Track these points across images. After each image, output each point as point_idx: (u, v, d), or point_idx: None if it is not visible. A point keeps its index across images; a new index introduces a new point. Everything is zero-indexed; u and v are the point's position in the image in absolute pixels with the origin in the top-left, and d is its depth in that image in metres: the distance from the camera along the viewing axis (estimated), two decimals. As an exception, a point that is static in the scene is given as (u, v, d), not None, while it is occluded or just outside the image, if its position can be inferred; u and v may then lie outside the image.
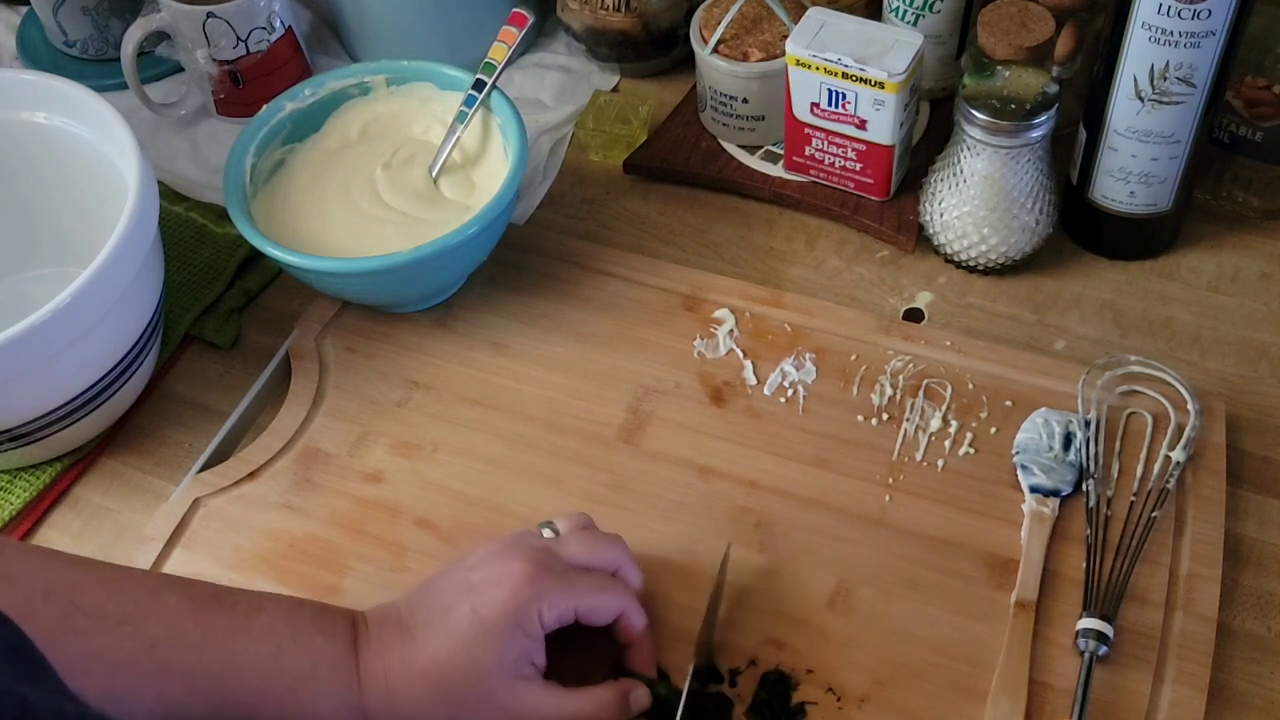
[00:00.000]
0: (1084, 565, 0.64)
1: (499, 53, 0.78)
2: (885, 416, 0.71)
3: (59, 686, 0.39)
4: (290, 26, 0.91)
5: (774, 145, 0.85)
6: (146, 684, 0.50)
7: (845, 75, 0.75)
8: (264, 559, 0.67)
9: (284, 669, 0.53)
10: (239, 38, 0.88)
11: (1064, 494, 0.66)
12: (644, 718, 0.59)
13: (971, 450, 0.69)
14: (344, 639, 0.55)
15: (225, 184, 0.74)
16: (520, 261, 0.80)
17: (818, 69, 0.75)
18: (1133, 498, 0.66)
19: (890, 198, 0.81)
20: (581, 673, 0.58)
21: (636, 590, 0.60)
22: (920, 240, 0.80)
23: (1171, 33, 0.66)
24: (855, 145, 0.79)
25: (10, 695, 0.35)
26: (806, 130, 0.80)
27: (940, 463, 0.68)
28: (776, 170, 0.84)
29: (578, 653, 0.59)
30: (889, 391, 0.72)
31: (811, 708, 0.59)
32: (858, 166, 0.80)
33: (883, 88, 0.74)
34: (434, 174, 0.78)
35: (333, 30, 1.00)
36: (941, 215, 0.76)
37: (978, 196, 0.74)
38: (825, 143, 0.80)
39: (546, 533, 0.60)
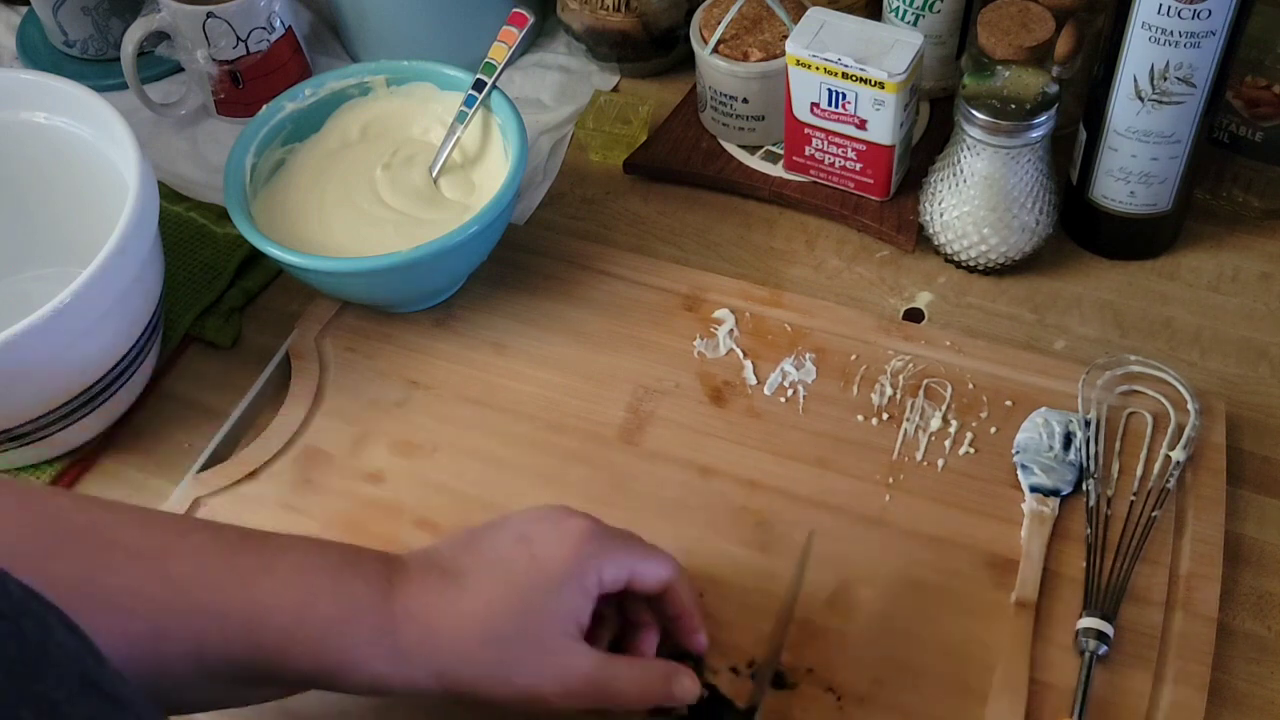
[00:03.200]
0: (1084, 565, 0.64)
1: (499, 53, 0.78)
2: (885, 416, 0.71)
3: None
4: (290, 26, 0.91)
5: (774, 145, 0.85)
6: (181, 623, 0.50)
7: (845, 75, 0.75)
8: (264, 559, 0.67)
9: (316, 613, 0.52)
10: (239, 38, 0.88)
11: (1064, 494, 0.66)
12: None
13: (971, 450, 0.69)
14: (379, 581, 0.54)
15: (225, 184, 0.74)
16: (520, 261, 0.80)
17: (818, 69, 0.75)
18: (1133, 497, 0.66)
19: (890, 198, 0.81)
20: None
21: (688, 607, 0.59)
22: (920, 240, 0.80)
23: (1171, 33, 0.66)
24: (855, 145, 0.79)
25: None
26: (806, 130, 0.80)
27: (940, 462, 0.68)
28: (776, 170, 0.84)
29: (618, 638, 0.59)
30: (889, 391, 0.72)
31: (805, 703, 0.59)
32: (858, 166, 0.80)
33: (883, 88, 0.74)
34: (434, 174, 0.78)
35: (333, 30, 1.00)
36: (941, 215, 0.76)
37: (978, 196, 0.74)
38: (825, 143, 0.80)
39: None
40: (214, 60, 0.89)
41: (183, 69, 0.92)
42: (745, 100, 0.83)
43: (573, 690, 0.54)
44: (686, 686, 0.56)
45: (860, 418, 0.71)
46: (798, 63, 0.76)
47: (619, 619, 0.60)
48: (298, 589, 0.52)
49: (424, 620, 0.53)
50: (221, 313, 0.79)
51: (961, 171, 0.74)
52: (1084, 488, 0.66)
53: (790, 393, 0.72)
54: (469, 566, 0.55)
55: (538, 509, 0.57)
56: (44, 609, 0.34)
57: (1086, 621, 0.61)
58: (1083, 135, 0.75)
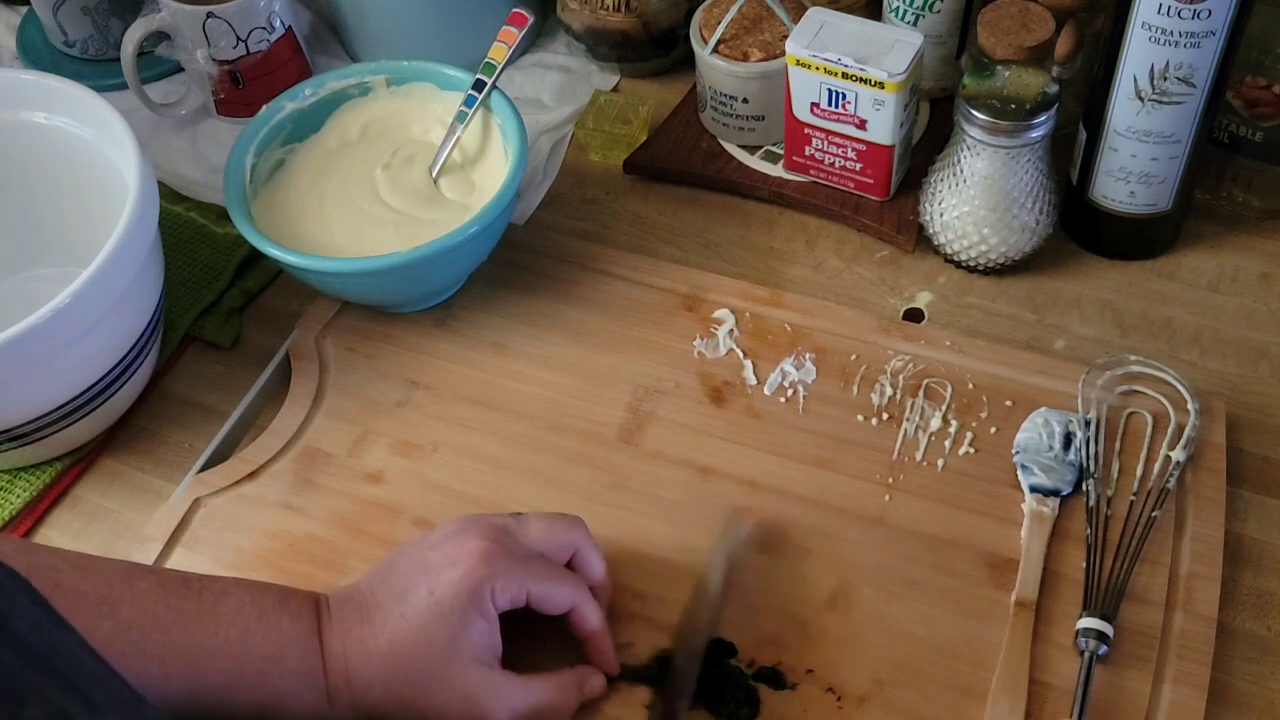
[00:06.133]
0: (1084, 565, 0.64)
1: (499, 53, 0.78)
2: (885, 416, 0.71)
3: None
4: (290, 26, 0.91)
5: (774, 145, 0.85)
6: (125, 666, 0.50)
7: (845, 75, 0.75)
8: (264, 559, 0.67)
9: (253, 650, 0.54)
10: (239, 38, 0.88)
11: (1064, 494, 0.66)
12: (657, 694, 0.59)
13: (971, 450, 0.69)
14: (308, 621, 0.56)
15: (225, 184, 0.74)
16: (520, 261, 0.80)
17: (818, 69, 0.75)
18: (1133, 497, 0.66)
19: (890, 198, 0.81)
20: (541, 667, 0.59)
21: (598, 578, 0.60)
22: (920, 240, 0.80)
23: (1171, 33, 0.66)
24: (855, 145, 0.79)
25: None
26: (806, 130, 0.80)
27: (940, 462, 0.68)
28: (776, 170, 0.84)
29: (538, 647, 0.59)
30: (889, 391, 0.72)
31: (805, 703, 0.59)
32: (858, 166, 0.80)
33: (883, 88, 0.74)
34: (434, 174, 0.78)
35: (333, 30, 1.00)
36: (941, 215, 0.76)
37: (978, 196, 0.74)
38: (825, 143, 0.80)
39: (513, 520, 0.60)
40: (214, 60, 0.89)
41: (183, 69, 0.92)
42: (745, 100, 0.83)
43: (488, 718, 0.55)
44: (595, 686, 0.59)
45: (860, 418, 0.71)
46: (798, 63, 0.76)
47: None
48: (238, 632, 0.54)
49: (343, 655, 0.55)
50: (221, 313, 0.79)
51: (961, 171, 0.74)
52: (1084, 488, 0.66)
53: (790, 393, 0.72)
54: (380, 601, 0.56)
55: (447, 526, 0.58)
56: None
57: (1086, 621, 0.61)
58: (1083, 135, 0.75)
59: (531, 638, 0.59)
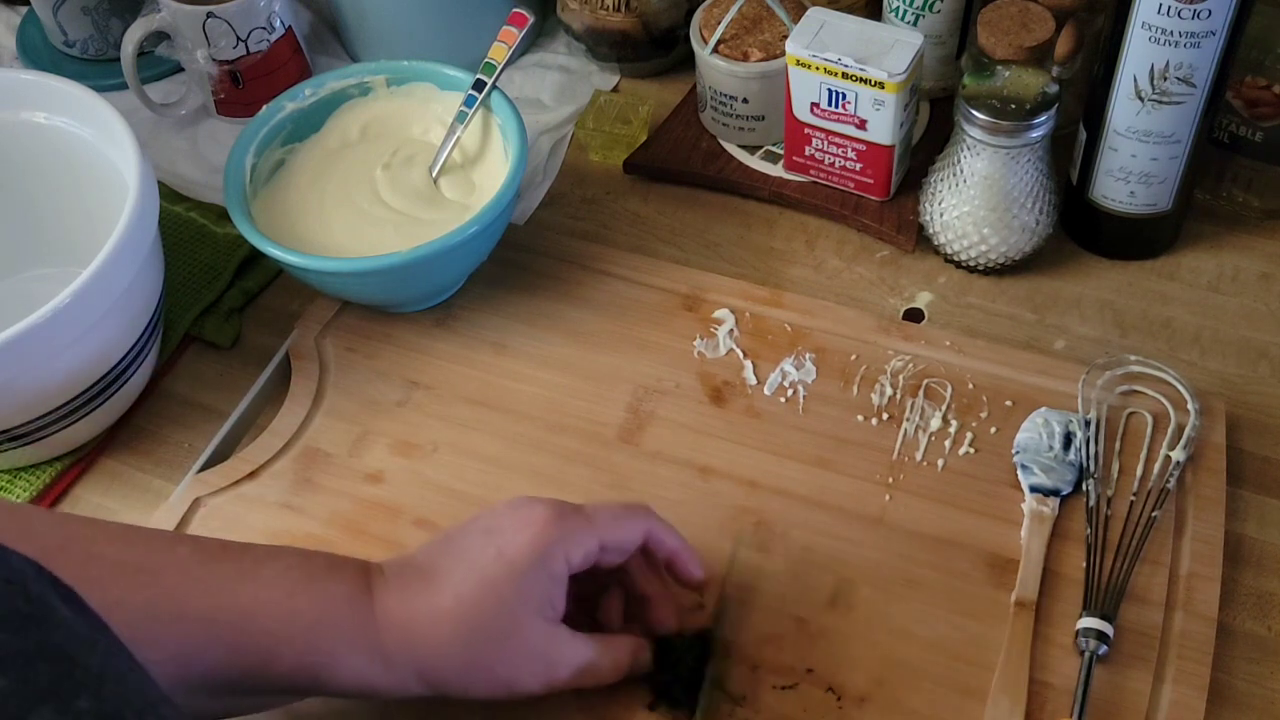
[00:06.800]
0: (1084, 565, 0.64)
1: (499, 53, 0.78)
2: (885, 416, 0.71)
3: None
4: (290, 26, 0.91)
5: (774, 145, 0.85)
6: (167, 631, 0.51)
7: (845, 75, 0.75)
8: (264, 559, 0.67)
9: (299, 613, 0.53)
10: (239, 38, 0.88)
11: (1064, 493, 0.66)
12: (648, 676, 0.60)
13: (971, 450, 0.69)
14: (358, 583, 0.55)
15: (225, 184, 0.74)
16: (520, 261, 0.80)
17: (818, 69, 0.75)
18: (1133, 497, 0.66)
19: (890, 198, 0.81)
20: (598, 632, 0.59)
21: (673, 545, 0.60)
22: (920, 240, 0.80)
23: (1171, 33, 0.66)
24: (855, 145, 0.79)
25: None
26: (806, 130, 0.80)
27: (940, 462, 0.68)
28: (776, 170, 0.84)
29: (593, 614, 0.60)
30: (889, 391, 0.72)
31: (805, 703, 0.59)
32: (858, 166, 0.80)
33: (883, 88, 0.74)
34: (434, 174, 0.78)
35: (333, 30, 1.00)
36: (941, 215, 0.76)
37: (978, 196, 0.74)
38: (825, 143, 0.80)
39: None
40: (214, 60, 0.89)
41: (183, 69, 0.92)
42: (745, 100, 0.83)
43: (553, 676, 0.55)
44: (646, 660, 0.59)
45: (860, 418, 0.71)
46: (798, 63, 0.76)
47: (623, 594, 0.61)
48: (282, 593, 0.53)
49: (402, 621, 0.54)
50: (221, 313, 0.79)
51: (961, 171, 0.74)
52: (1084, 488, 0.66)
53: (790, 393, 0.72)
54: (442, 566, 0.55)
55: (506, 501, 0.58)
56: None
57: (1086, 621, 0.61)
58: (1083, 135, 0.75)
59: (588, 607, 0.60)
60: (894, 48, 0.74)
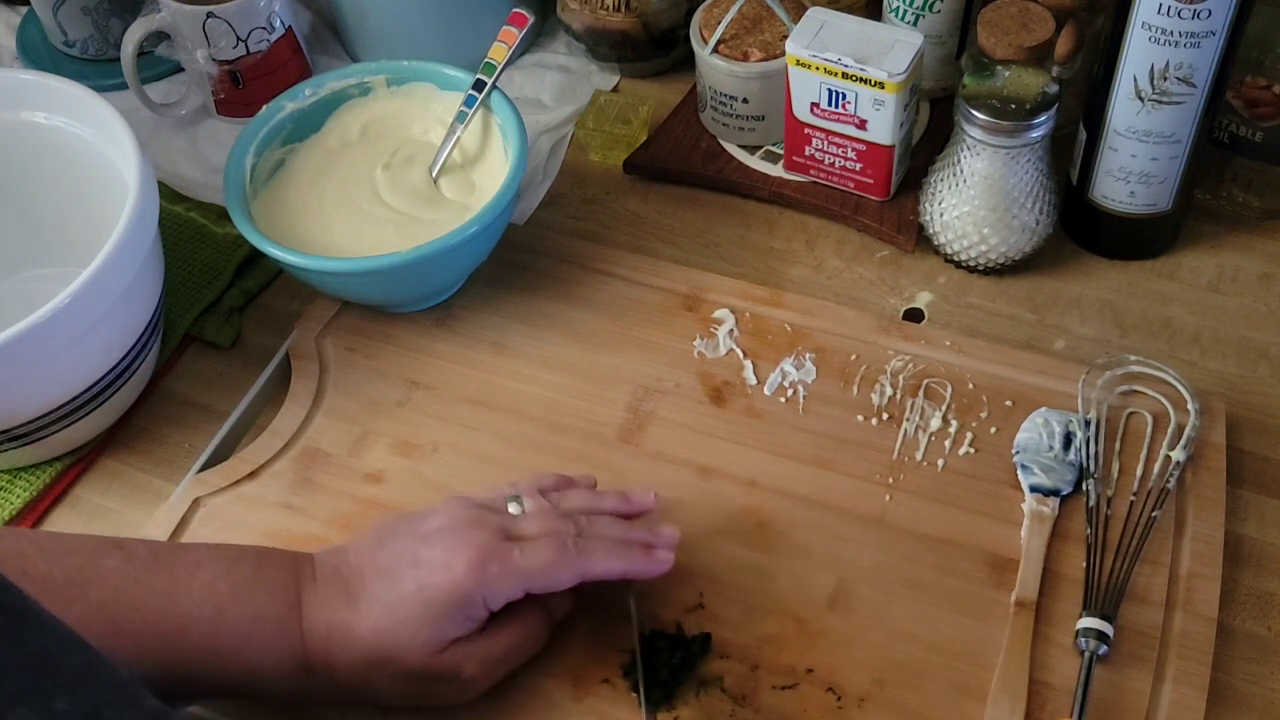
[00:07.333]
0: (1084, 565, 0.64)
1: (499, 53, 0.78)
2: (885, 416, 0.71)
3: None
4: (290, 26, 0.91)
5: (774, 145, 0.85)
6: (100, 646, 0.51)
7: (845, 75, 0.75)
8: (264, 559, 0.67)
9: (226, 629, 0.54)
10: (239, 38, 0.88)
11: (1064, 493, 0.66)
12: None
13: (971, 450, 0.69)
14: (286, 596, 0.56)
15: (225, 184, 0.74)
16: (520, 261, 0.80)
17: (818, 69, 0.75)
18: (1133, 497, 0.66)
19: (890, 198, 0.81)
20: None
21: (637, 505, 0.61)
22: (920, 240, 0.80)
23: (1171, 33, 0.66)
24: (855, 145, 0.79)
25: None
26: (806, 130, 0.80)
27: (940, 462, 0.68)
28: (776, 170, 0.84)
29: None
30: (889, 391, 0.72)
31: (805, 703, 0.59)
32: (858, 166, 0.80)
33: (883, 88, 0.74)
34: (434, 174, 0.78)
35: (333, 30, 1.00)
36: (941, 215, 0.76)
37: (978, 196, 0.74)
38: (825, 143, 0.80)
39: (513, 508, 0.59)
40: (214, 60, 0.89)
41: (183, 69, 0.92)
42: (745, 100, 0.83)
43: (467, 684, 0.57)
44: (559, 604, 0.60)
45: (860, 418, 0.71)
46: (798, 63, 0.76)
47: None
48: (211, 610, 0.54)
49: (325, 632, 0.55)
50: (221, 313, 0.79)
51: (961, 171, 0.74)
52: (1084, 488, 0.66)
53: (790, 393, 0.72)
54: (366, 585, 0.56)
55: (441, 514, 0.58)
56: None
57: (1086, 621, 0.61)
58: (1083, 135, 0.75)
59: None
60: (894, 48, 0.74)
